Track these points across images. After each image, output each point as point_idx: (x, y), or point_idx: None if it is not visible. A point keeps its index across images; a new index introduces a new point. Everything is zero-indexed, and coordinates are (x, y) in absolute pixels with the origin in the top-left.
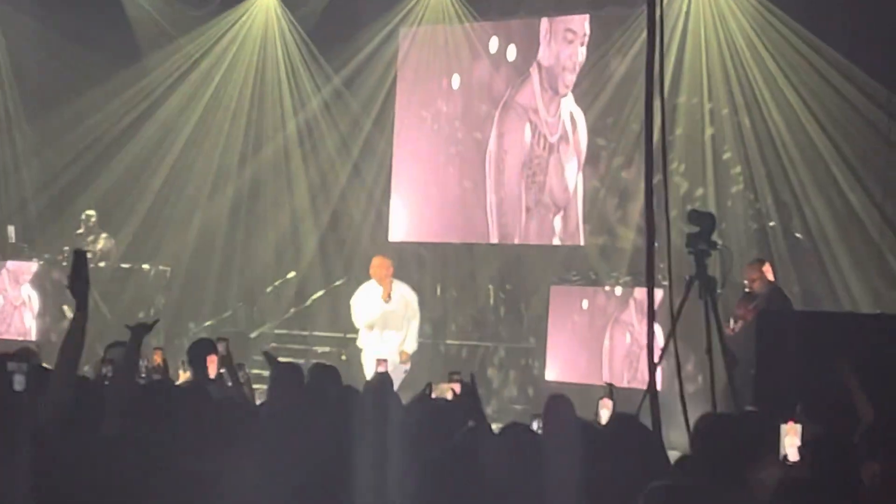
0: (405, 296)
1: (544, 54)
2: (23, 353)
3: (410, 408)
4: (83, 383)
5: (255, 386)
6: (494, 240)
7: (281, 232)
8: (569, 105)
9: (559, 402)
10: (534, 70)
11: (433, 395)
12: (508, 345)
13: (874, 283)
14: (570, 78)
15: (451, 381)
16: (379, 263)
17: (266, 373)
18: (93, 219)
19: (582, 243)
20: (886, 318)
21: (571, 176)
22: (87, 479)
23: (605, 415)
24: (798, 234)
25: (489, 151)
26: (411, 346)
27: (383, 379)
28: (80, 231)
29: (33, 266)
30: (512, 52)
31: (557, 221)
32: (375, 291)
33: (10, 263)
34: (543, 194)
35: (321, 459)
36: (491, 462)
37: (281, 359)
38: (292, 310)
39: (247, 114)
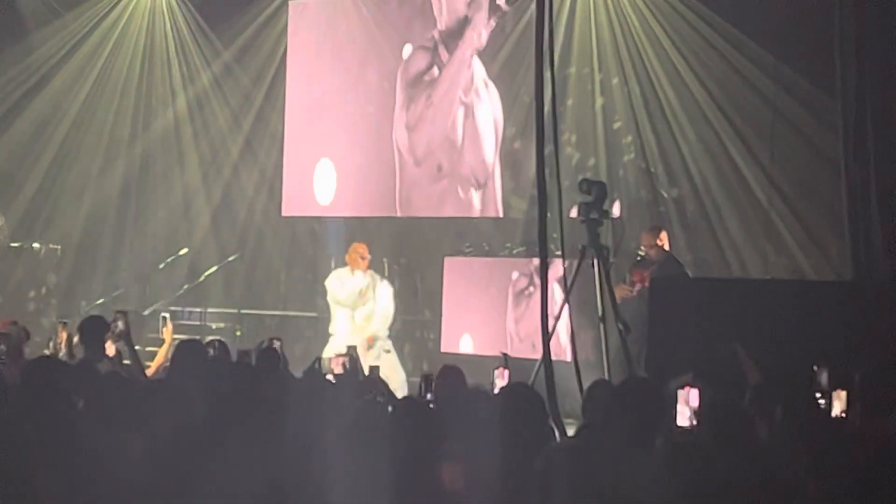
0: (372, 281)
1: (444, 21)
2: None
3: (300, 383)
4: None
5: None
6: (392, 213)
7: (173, 208)
8: (480, 73)
9: (450, 373)
10: (436, 38)
11: (322, 371)
12: (404, 317)
13: (763, 249)
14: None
15: (345, 354)
16: (352, 248)
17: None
18: None
19: (502, 215)
20: (775, 284)
21: (486, 146)
22: None
23: (500, 385)
24: (688, 202)
25: (384, 123)
26: (377, 328)
27: (270, 354)
28: None
29: None
30: (409, 20)
31: (466, 193)
32: (344, 274)
33: None
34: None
35: (215, 435)
36: (386, 435)
37: (177, 336)
38: (185, 286)
39: (136, 89)
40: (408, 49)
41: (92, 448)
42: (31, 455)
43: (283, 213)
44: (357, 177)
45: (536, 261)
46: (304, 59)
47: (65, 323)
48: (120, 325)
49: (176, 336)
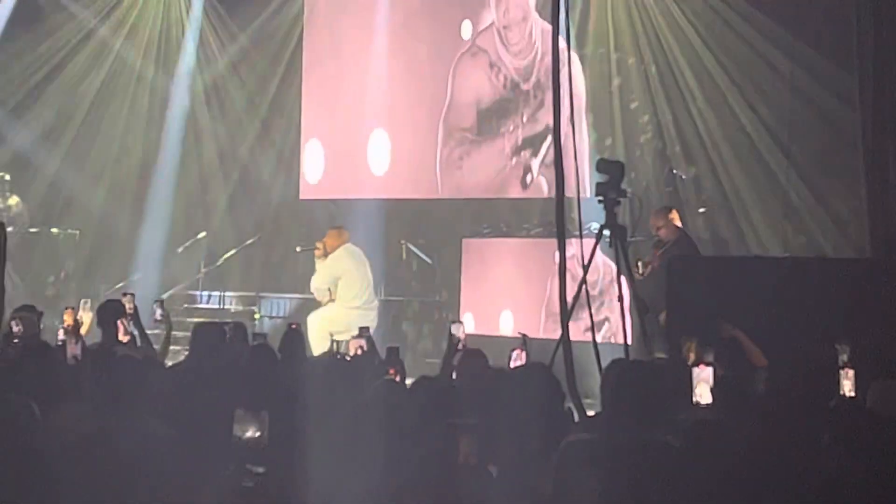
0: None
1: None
2: None
3: (319, 364)
4: None
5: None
6: (406, 195)
7: (190, 192)
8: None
9: (472, 354)
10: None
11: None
12: (422, 299)
13: (782, 228)
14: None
15: (359, 336)
16: (328, 234)
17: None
18: (7, 184)
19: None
20: (793, 261)
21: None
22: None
23: (518, 365)
24: (706, 181)
25: (424, 101)
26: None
27: (295, 337)
28: None
29: None
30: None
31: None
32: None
33: None
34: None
35: (233, 416)
36: (403, 414)
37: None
38: (204, 270)
39: (152, 74)
40: (467, 26)
41: (111, 433)
42: (47, 440)
43: (301, 197)
44: (377, 158)
45: (554, 241)
46: (322, 41)
47: (71, 308)
48: (128, 307)
49: (193, 320)
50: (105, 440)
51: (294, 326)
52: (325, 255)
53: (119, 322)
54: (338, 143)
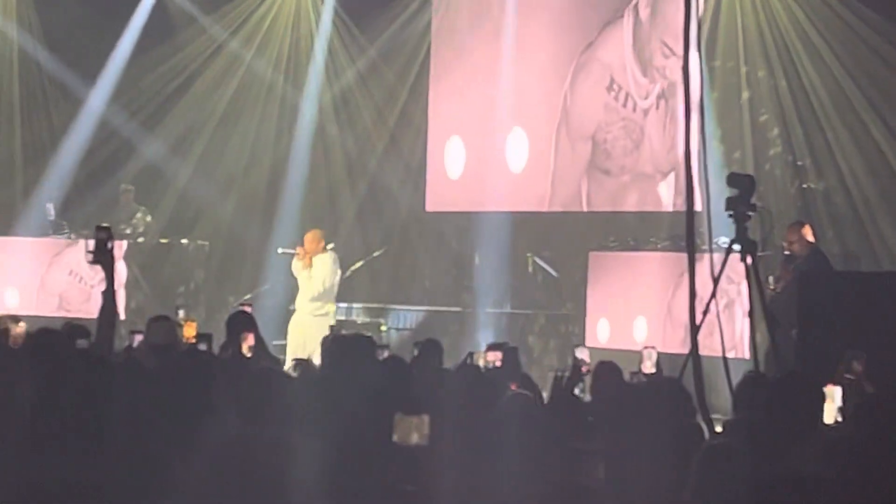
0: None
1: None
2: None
3: (455, 375)
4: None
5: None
6: (535, 207)
7: (318, 204)
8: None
9: (606, 368)
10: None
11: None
12: (547, 312)
13: None
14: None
15: (490, 351)
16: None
17: None
18: (131, 194)
19: (671, 209)
20: None
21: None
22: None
23: (646, 379)
24: (836, 195)
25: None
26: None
27: (433, 346)
28: (119, 207)
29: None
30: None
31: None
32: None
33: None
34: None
35: (368, 428)
36: (537, 427)
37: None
38: None
39: (282, 87)
40: (593, 35)
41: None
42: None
43: (427, 209)
44: (502, 171)
45: (682, 255)
46: (449, 54)
47: (191, 319)
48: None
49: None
50: (249, 451)
51: (428, 339)
52: (307, 257)
53: (249, 332)
54: (473, 142)
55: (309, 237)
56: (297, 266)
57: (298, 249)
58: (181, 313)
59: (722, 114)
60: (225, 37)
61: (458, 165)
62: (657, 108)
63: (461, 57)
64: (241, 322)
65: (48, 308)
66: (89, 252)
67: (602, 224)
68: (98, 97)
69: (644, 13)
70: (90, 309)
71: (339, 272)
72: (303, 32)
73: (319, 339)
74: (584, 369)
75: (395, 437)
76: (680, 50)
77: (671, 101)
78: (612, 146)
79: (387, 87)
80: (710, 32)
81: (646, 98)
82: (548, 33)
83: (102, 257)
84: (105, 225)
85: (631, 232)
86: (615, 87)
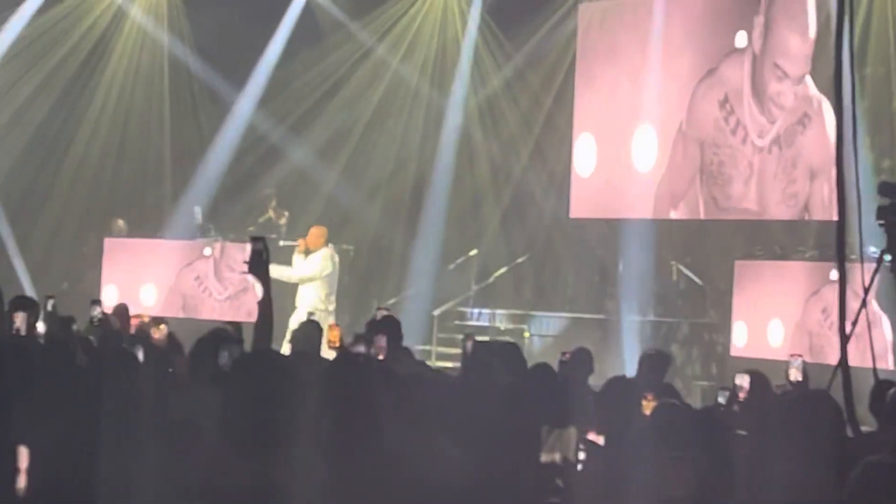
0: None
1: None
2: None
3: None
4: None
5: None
6: (676, 215)
7: (463, 209)
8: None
9: (756, 379)
10: (746, 50)
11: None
12: (691, 320)
13: None
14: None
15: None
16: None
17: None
18: (275, 199)
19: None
20: None
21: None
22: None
23: (793, 389)
24: None
25: (676, 129)
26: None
27: (583, 355)
28: (264, 211)
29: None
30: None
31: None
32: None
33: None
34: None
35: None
36: (682, 438)
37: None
38: (475, 287)
39: (427, 92)
40: (742, 37)
41: (397, 448)
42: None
43: (572, 215)
44: (645, 179)
45: (829, 264)
46: (595, 62)
47: (337, 325)
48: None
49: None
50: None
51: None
52: (307, 252)
53: (383, 336)
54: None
55: (314, 231)
56: (296, 259)
57: (300, 241)
58: (313, 317)
59: (871, 122)
60: (372, 42)
61: (589, 164)
62: (769, 152)
63: (608, 63)
64: (382, 326)
65: (172, 309)
66: (245, 262)
67: (748, 232)
68: (246, 102)
69: (757, 44)
70: (209, 315)
71: (335, 269)
72: (449, 38)
73: None
74: (741, 396)
75: (542, 450)
76: (792, 70)
77: (785, 151)
78: (717, 169)
79: (532, 94)
80: (861, 40)
81: (760, 136)
82: (696, 31)
83: (257, 268)
84: (260, 236)
85: (777, 240)
86: (728, 106)
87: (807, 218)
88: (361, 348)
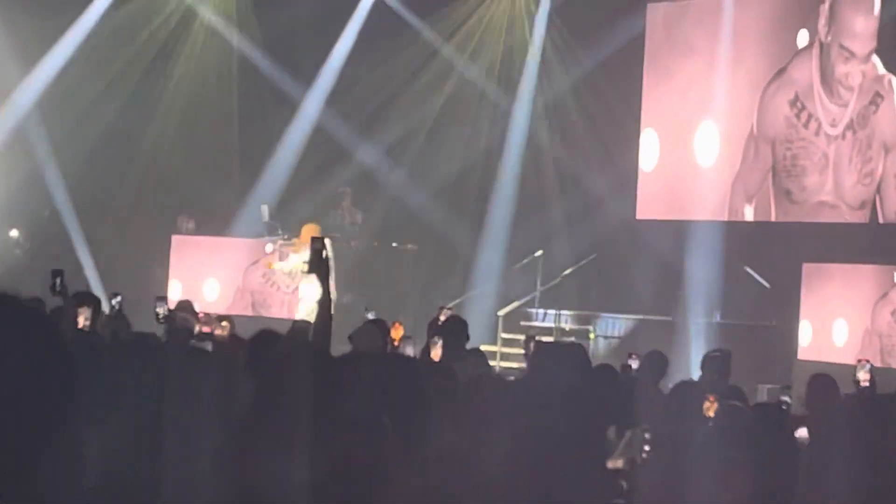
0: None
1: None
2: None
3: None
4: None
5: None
6: (744, 217)
7: (528, 210)
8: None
9: (823, 382)
10: (812, 44)
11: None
12: (749, 323)
13: None
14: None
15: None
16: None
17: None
18: (349, 197)
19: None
20: None
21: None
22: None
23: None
24: None
25: (743, 127)
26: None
27: (659, 358)
28: (336, 209)
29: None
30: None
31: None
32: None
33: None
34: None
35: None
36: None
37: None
38: (540, 288)
39: (494, 93)
40: (803, 36)
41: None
42: (389, 453)
43: (638, 217)
44: (714, 180)
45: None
46: (663, 63)
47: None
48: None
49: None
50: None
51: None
52: (300, 246)
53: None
54: (669, 134)
55: (308, 228)
56: (294, 257)
57: (294, 240)
58: (370, 315)
59: None
60: (439, 42)
61: (652, 159)
62: (843, 138)
63: (676, 61)
64: (445, 327)
65: (240, 306)
66: (305, 262)
67: (815, 235)
68: (313, 101)
69: (823, 31)
70: (279, 313)
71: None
72: (516, 39)
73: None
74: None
75: (608, 452)
76: (859, 49)
77: (859, 133)
78: (791, 163)
79: (599, 94)
80: None
81: (833, 126)
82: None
83: (318, 268)
84: (320, 236)
85: (844, 244)
86: (798, 104)
87: (878, 198)
88: (409, 349)
